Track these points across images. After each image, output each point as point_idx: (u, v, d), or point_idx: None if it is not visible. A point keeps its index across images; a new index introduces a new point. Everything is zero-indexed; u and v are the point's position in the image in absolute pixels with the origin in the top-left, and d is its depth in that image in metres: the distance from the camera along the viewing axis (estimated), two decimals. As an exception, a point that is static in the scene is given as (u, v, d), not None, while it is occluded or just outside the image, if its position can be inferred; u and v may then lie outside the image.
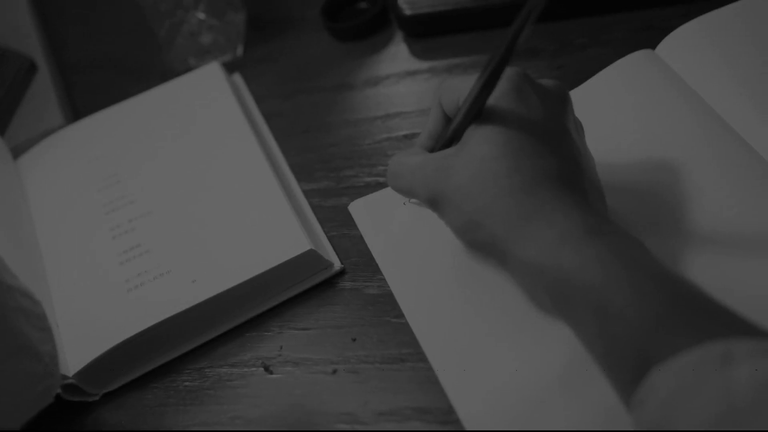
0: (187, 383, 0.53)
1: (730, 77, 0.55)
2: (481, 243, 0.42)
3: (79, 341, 0.53)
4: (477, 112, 0.43)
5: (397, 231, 0.55)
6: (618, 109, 0.56)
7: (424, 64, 0.68)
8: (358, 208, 0.58)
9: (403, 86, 0.67)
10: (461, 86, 0.44)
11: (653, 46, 0.59)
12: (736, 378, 0.31)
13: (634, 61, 0.58)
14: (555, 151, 0.42)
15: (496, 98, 0.42)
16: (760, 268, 0.46)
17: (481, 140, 0.42)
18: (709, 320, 0.34)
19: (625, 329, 0.35)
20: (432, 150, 0.47)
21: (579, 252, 0.38)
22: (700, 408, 0.31)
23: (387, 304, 0.52)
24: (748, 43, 0.57)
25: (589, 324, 0.37)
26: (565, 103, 0.45)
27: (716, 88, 0.54)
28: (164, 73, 0.75)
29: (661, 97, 0.56)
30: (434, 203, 0.44)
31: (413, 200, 0.55)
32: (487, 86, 0.41)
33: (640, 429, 0.34)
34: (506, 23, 0.66)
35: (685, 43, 0.58)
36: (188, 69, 0.74)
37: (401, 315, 0.51)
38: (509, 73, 0.43)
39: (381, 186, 0.59)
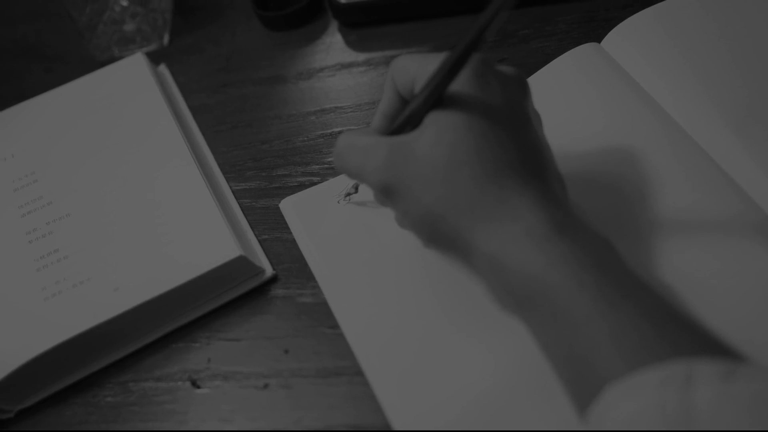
0: (109, 398, 0.50)
1: (677, 72, 0.54)
2: (443, 236, 0.40)
3: (-9, 355, 0.50)
4: (437, 98, 0.41)
5: (332, 233, 0.53)
6: (565, 104, 0.56)
7: (361, 56, 0.66)
8: (289, 207, 0.55)
9: (339, 79, 0.65)
10: (416, 66, 0.42)
11: (596, 38, 0.59)
12: (696, 402, 0.30)
13: (581, 55, 0.57)
14: (517, 140, 0.40)
15: (458, 84, 0.41)
16: (707, 259, 0.46)
17: (443, 127, 0.40)
18: (673, 336, 0.34)
19: (586, 338, 0.34)
20: (386, 132, 0.44)
21: (545, 250, 0.37)
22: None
23: (321, 313, 0.50)
24: (692, 37, 0.56)
25: (549, 328, 0.36)
26: (525, 91, 0.43)
27: (662, 83, 0.54)
28: (85, 63, 0.71)
29: (608, 91, 0.55)
30: (388, 191, 0.41)
31: (350, 194, 0.53)
32: (452, 72, 0.39)
33: None
34: (444, 14, 0.66)
35: (631, 37, 0.57)
36: (111, 59, 0.71)
37: (337, 325, 0.49)
38: (470, 58, 0.41)
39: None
